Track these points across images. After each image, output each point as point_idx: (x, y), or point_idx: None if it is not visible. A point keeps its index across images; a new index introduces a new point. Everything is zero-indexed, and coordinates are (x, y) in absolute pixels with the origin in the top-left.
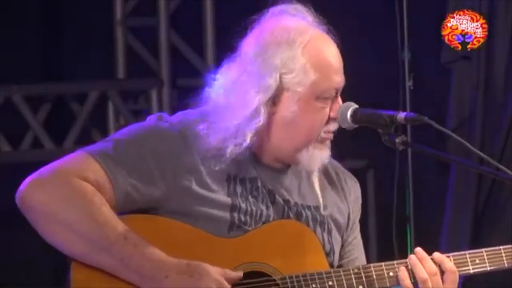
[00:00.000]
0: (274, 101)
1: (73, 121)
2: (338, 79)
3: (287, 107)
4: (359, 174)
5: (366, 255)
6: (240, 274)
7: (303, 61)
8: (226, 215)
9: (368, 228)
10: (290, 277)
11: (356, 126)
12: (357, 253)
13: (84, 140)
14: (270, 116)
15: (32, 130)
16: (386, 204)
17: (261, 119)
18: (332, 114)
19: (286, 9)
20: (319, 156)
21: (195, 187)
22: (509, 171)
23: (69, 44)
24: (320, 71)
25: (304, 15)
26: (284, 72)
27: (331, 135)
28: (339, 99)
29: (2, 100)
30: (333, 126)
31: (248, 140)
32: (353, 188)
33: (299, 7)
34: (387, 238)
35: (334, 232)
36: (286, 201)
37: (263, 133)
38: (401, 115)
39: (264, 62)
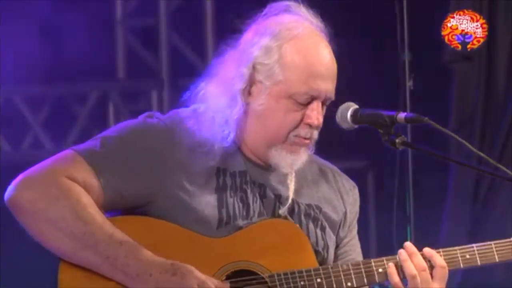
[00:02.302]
0: (249, 91)
1: (73, 121)
2: (319, 86)
3: (257, 100)
4: (359, 174)
5: (367, 255)
6: (226, 286)
7: (278, 56)
8: (214, 212)
9: (368, 228)
10: (278, 275)
11: (356, 126)
12: (354, 254)
13: (84, 140)
14: (246, 106)
15: (32, 130)
16: (386, 204)
17: (239, 108)
18: (308, 120)
19: (290, 7)
20: (289, 159)
21: (183, 183)
22: (509, 171)
23: (69, 44)
24: (295, 71)
25: (306, 16)
26: (258, 63)
27: (304, 141)
28: (319, 107)
29: (2, 100)
30: (305, 132)
31: (233, 131)
32: (351, 192)
33: (303, 9)
34: (387, 238)
35: (328, 229)
36: (277, 196)
37: (242, 124)
38: (401, 115)
39: (246, 51)
